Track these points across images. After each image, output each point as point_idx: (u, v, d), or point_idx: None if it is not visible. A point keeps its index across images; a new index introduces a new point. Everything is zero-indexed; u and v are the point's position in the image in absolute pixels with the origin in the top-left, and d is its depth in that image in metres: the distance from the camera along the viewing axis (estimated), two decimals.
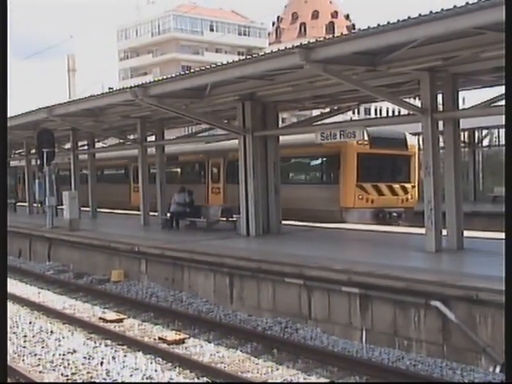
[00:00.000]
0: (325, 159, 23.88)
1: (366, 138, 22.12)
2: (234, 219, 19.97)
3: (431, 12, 9.89)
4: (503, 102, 14.02)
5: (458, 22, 9.94)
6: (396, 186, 23.62)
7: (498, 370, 9.15)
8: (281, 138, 21.38)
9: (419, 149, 29.08)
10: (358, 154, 22.56)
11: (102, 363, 9.99)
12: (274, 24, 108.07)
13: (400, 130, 23.25)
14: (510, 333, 6.26)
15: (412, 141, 24.52)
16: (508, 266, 6.56)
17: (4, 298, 7.88)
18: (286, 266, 12.75)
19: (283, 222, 19.31)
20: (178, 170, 31.41)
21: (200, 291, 14.89)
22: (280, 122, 22.51)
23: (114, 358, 10.28)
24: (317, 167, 24.75)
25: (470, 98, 31.14)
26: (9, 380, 8.94)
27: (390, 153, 23.24)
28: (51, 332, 12.01)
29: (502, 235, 16.35)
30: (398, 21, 10.40)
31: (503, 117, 18.62)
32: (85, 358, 10.25)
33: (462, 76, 14.28)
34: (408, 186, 24.04)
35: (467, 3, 9.46)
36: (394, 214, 23.22)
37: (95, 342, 11.42)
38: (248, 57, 14.10)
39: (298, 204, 22.95)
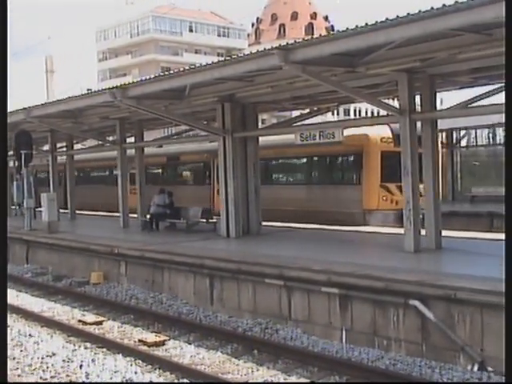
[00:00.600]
0: (346, 158, 22.65)
1: (390, 135, 21.40)
2: (214, 220, 19.97)
3: (408, 14, 9.96)
4: (480, 103, 14.22)
5: (434, 23, 10.01)
6: (421, 186, 21.87)
7: (475, 368, 9.23)
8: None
9: (442, 146, 28.61)
10: (381, 152, 21.45)
11: (81, 366, 9.93)
12: (253, 25, 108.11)
13: None
14: (510, 333, 6.28)
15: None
16: (508, 267, 6.54)
17: (4, 299, 7.86)
18: (266, 267, 12.77)
19: (267, 224, 19.30)
20: (180, 170, 30.71)
21: (180, 293, 14.85)
22: (260, 123, 22.52)
23: (93, 360, 10.22)
24: (337, 166, 23.38)
25: (448, 99, 31.35)
26: None
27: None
28: (30, 335, 11.90)
29: (480, 235, 16.49)
30: (376, 22, 10.46)
31: (481, 117, 18.69)
32: (64, 361, 10.18)
33: (440, 77, 14.42)
34: None
35: (444, 5, 9.54)
36: (420, 216, 21.27)
37: (74, 345, 11.35)
38: (227, 58, 14.10)
39: (316, 206, 22.09)
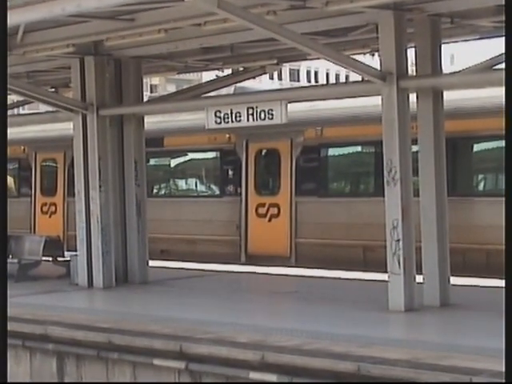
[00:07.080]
0: None
1: None
2: (68, 259, 19.75)
3: None
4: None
5: None
6: None
7: None
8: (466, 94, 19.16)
9: None
10: None
11: None
12: None
13: None
14: (509, 333, 7.37)
15: None
16: (508, 271, 7.72)
17: (4, 299, 9.70)
18: (155, 339, 12.75)
19: (160, 265, 19.24)
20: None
21: None
22: (148, 93, 22.49)
23: None
24: None
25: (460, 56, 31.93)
26: None
27: None
28: None
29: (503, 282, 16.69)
30: None
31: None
32: None
33: (448, 19, 14.69)
34: None
35: None
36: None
37: None
38: None
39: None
